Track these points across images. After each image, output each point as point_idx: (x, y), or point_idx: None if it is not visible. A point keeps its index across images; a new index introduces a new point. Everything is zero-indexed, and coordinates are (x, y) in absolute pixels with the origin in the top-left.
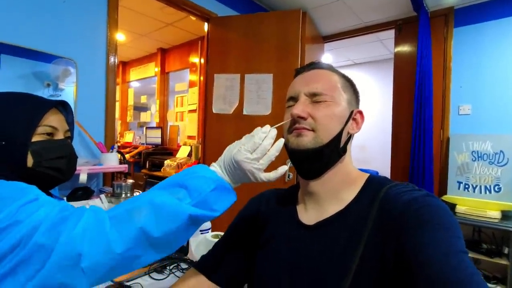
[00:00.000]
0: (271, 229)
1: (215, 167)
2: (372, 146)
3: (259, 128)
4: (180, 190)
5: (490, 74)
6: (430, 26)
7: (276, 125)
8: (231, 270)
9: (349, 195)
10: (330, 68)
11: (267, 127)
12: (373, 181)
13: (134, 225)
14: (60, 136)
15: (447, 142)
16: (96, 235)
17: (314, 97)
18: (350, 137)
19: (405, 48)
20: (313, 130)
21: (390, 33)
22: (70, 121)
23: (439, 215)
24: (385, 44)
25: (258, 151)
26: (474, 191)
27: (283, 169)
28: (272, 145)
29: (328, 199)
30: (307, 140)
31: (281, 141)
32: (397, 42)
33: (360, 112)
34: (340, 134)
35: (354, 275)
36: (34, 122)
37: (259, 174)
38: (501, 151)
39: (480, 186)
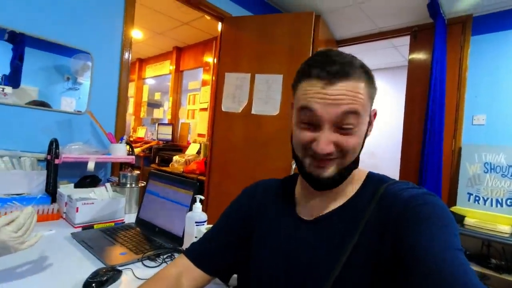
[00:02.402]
0: (267, 220)
1: None
2: (382, 152)
3: (21, 211)
4: None
5: (507, 84)
6: (446, 33)
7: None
8: (220, 259)
9: (350, 191)
10: (358, 73)
11: (28, 208)
12: (374, 178)
13: None
14: None
15: (458, 152)
16: None
17: (345, 119)
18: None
19: (419, 55)
20: (337, 158)
21: (405, 40)
22: None
23: (437, 213)
24: (399, 51)
25: (22, 230)
26: (484, 204)
27: (37, 237)
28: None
29: (331, 197)
30: (331, 171)
31: (34, 214)
32: (412, 49)
33: (375, 113)
34: (361, 149)
35: (344, 264)
36: None
37: (21, 246)
38: None
39: (492, 199)
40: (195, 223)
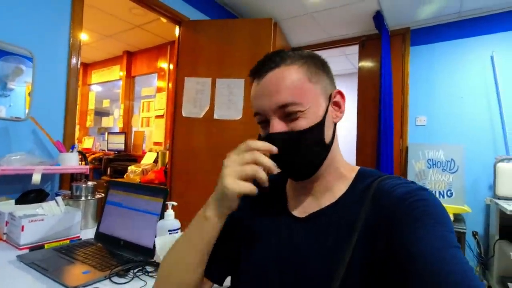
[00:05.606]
0: (258, 218)
1: None
2: None
3: None
4: None
5: (442, 89)
6: (390, 43)
7: None
8: (223, 266)
9: (341, 187)
10: (289, 60)
11: None
12: (365, 173)
13: None
14: None
15: (406, 151)
16: None
17: (284, 109)
18: (335, 126)
19: (368, 63)
20: None
21: (355, 49)
22: None
23: (433, 209)
24: (349, 59)
25: None
26: None
27: None
28: None
29: (321, 193)
30: None
31: None
32: (360, 57)
33: (339, 92)
34: (317, 127)
35: (347, 267)
36: None
37: None
38: (452, 159)
39: (435, 191)
40: (168, 231)
